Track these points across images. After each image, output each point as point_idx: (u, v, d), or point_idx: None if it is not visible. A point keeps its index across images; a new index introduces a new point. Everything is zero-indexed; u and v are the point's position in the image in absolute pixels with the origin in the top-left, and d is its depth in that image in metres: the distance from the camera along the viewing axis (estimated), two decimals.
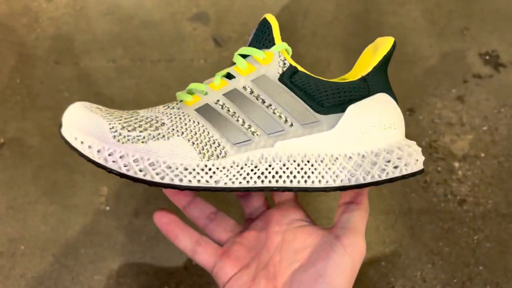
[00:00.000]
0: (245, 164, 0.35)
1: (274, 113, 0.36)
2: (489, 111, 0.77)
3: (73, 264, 0.61)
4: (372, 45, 0.43)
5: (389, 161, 0.37)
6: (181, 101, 0.39)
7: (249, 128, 0.36)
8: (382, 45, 0.40)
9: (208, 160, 0.35)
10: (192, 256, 0.42)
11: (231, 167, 0.35)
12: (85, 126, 0.35)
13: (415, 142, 0.41)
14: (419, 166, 0.39)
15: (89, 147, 0.34)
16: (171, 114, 0.37)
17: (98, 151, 0.34)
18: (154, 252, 0.62)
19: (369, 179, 0.37)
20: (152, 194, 0.67)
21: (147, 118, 0.36)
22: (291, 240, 0.39)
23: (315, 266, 0.35)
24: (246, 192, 0.41)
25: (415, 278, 0.62)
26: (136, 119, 0.36)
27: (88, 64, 0.80)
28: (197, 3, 0.86)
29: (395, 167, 0.37)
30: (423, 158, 0.40)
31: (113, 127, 0.34)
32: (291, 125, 0.37)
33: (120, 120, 0.36)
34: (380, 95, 0.39)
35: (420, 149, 0.40)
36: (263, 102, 0.36)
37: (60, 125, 0.36)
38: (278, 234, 0.40)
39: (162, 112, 0.37)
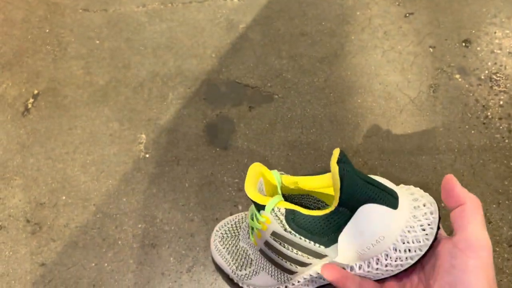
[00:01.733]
0: (305, 279, 0.47)
1: (297, 254, 0.43)
2: None
3: (116, 213, 0.59)
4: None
5: (381, 269, 0.41)
6: None
7: (291, 265, 0.45)
8: (333, 177, 0.40)
9: (281, 284, 0.49)
10: None
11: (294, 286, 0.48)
12: (223, 267, 0.53)
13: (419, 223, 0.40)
14: (429, 239, 0.39)
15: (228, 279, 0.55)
16: (254, 250, 0.50)
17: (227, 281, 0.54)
18: (198, 199, 0.60)
19: (381, 276, 0.42)
20: (192, 140, 0.64)
21: (244, 253, 0.51)
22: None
23: (446, 276, 0.37)
24: None
25: None
26: (240, 254, 0.51)
27: (117, 10, 0.76)
28: None
29: (398, 263, 0.40)
30: (432, 230, 0.39)
31: (232, 271, 0.52)
32: (312, 259, 0.44)
33: (233, 259, 0.51)
34: (360, 210, 0.39)
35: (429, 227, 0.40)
36: (287, 247, 0.44)
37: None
38: None
39: (247, 243, 0.51)
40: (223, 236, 0.53)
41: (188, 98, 0.68)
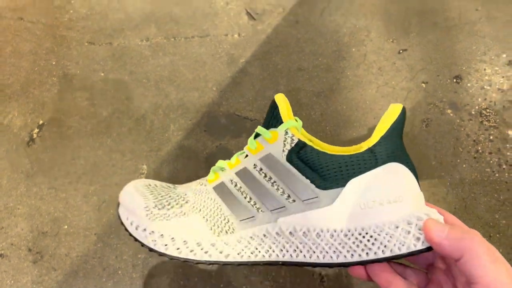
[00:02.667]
0: (252, 239, 0.38)
1: (277, 189, 0.37)
2: None
3: (116, 242, 0.61)
4: (386, 112, 0.40)
5: (392, 236, 0.35)
6: None
7: (254, 204, 0.38)
8: (390, 113, 0.38)
9: (218, 236, 0.38)
10: None
11: (239, 242, 0.38)
12: (129, 205, 0.41)
13: (435, 211, 0.36)
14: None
15: (131, 223, 0.40)
16: (198, 191, 0.41)
17: (136, 227, 0.39)
18: None
19: (372, 256, 0.35)
20: (193, 171, 0.66)
21: (178, 195, 0.41)
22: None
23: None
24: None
25: None
26: (170, 196, 0.41)
27: (122, 43, 0.79)
28: None
29: (402, 244, 0.35)
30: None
31: (147, 206, 0.40)
32: (293, 201, 0.37)
33: (156, 198, 0.41)
34: (389, 165, 0.36)
35: (441, 217, 0.36)
36: (269, 179, 0.38)
37: (118, 204, 0.42)
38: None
39: (193, 189, 0.42)
40: (151, 185, 0.44)
41: (189, 129, 0.70)
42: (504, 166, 0.65)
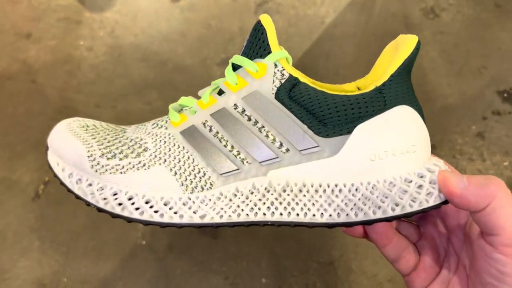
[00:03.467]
0: (234, 196, 0.32)
1: (267, 136, 0.32)
2: (510, 146, 0.79)
3: None
4: (393, 44, 0.36)
5: (404, 192, 0.31)
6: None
7: (238, 155, 0.32)
8: (403, 46, 0.33)
9: (191, 193, 0.32)
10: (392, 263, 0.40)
11: (218, 199, 0.32)
12: (66, 152, 0.33)
13: (442, 161, 0.34)
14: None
15: (69, 175, 0.32)
16: (157, 135, 0.34)
17: (77, 181, 0.32)
18: (188, 285, 0.65)
19: (380, 214, 0.31)
20: (186, 229, 0.71)
21: (131, 141, 0.33)
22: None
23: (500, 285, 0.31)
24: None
25: None
26: (120, 142, 0.33)
27: (125, 107, 0.86)
28: (225, 48, 0.92)
29: (413, 201, 0.31)
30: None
31: (91, 155, 0.32)
32: (287, 150, 0.32)
33: (102, 144, 0.33)
34: (399, 108, 0.32)
35: (447, 168, 0.34)
36: (255, 123, 0.32)
37: (46, 148, 0.34)
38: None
39: (149, 133, 0.34)
40: (89, 126, 0.35)
41: None
42: None
